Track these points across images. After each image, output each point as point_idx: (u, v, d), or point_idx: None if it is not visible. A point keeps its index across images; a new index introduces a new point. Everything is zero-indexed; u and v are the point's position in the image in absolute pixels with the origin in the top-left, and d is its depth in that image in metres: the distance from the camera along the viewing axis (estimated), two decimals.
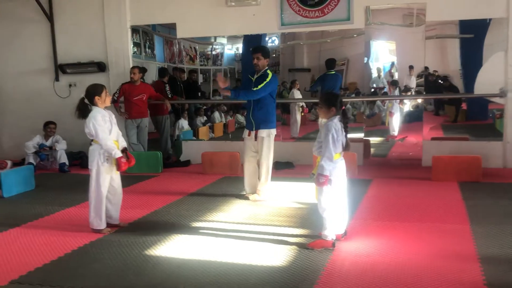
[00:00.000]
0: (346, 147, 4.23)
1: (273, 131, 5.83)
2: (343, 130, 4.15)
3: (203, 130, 9.62)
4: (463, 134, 8.04)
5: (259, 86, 5.54)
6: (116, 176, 4.94)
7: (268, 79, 5.59)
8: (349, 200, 5.57)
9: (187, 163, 8.46)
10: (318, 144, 4.23)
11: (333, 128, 4.08)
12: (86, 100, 4.78)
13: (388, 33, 8.34)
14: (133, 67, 8.27)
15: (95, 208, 4.79)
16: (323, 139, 4.11)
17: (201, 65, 10.10)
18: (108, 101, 4.81)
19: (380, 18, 8.04)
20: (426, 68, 7.98)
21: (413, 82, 8.27)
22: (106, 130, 4.70)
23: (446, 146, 7.37)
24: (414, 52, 8.07)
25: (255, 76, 5.77)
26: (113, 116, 4.91)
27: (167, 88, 8.71)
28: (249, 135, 5.83)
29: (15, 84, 9.47)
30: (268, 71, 5.73)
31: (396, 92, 8.38)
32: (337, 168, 4.17)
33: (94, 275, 3.80)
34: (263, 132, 5.74)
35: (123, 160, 4.71)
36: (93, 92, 4.75)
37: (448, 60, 8.31)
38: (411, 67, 8.34)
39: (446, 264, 3.74)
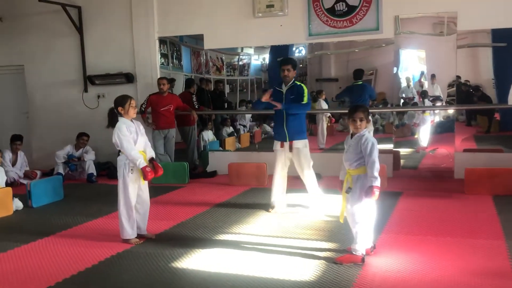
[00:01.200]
0: None
1: (307, 141, 5.85)
2: None
3: (229, 141, 9.60)
4: (497, 146, 7.79)
5: (305, 99, 5.66)
6: (144, 187, 4.95)
7: (306, 90, 5.70)
8: (379, 212, 5.48)
9: (213, 173, 8.45)
10: (355, 157, 4.13)
11: (374, 139, 4.10)
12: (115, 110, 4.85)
13: (417, 42, 8.17)
14: (162, 78, 8.33)
15: (125, 218, 4.82)
16: (366, 151, 4.04)
17: (227, 75, 10.10)
18: (132, 113, 4.82)
19: (410, 27, 7.90)
20: (458, 77, 7.78)
21: (436, 91, 8.10)
22: (131, 140, 4.72)
23: (479, 158, 7.16)
24: (444, 61, 7.90)
25: (285, 88, 5.79)
26: (141, 126, 4.93)
27: (194, 98, 8.75)
28: (281, 146, 5.82)
29: (45, 95, 9.66)
30: (298, 82, 5.79)
31: (426, 102, 8.21)
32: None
33: (121, 286, 3.80)
34: (299, 143, 5.75)
35: (148, 169, 4.71)
36: (117, 103, 4.82)
37: (480, 70, 8.11)
38: (433, 76, 8.19)
39: (480, 281, 3.63)
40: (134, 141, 4.76)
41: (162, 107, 8.23)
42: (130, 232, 4.84)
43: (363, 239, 4.13)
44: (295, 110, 5.73)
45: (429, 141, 8.50)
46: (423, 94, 8.29)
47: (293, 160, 5.83)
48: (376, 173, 4.01)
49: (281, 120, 5.77)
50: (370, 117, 4.29)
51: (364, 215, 4.13)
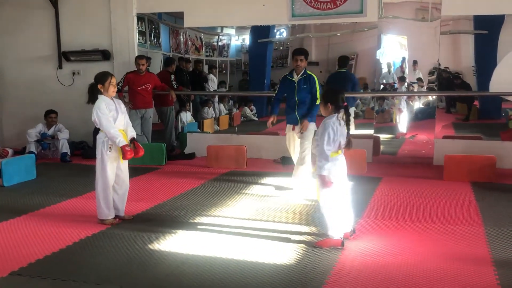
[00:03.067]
0: (348, 145, 4.13)
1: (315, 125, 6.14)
2: (346, 127, 4.04)
3: (208, 123, 9.46)
4: (476, 133, 7.85)
5: (319, 96, 5.86)
6: (124, 167, 4.83)
7: (318, 84, 5.99)
8: (358, 197, 5.57)
9: (192, 155, 8.31)
10: (315, 142, 4.10)
11: (330, 126, 3.97)
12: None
13: (400, 28, 8.15)
14: (140, 57, 8.07)
15: (101, 198, 4.70)
16: (319, 137, 4.00)
17: (206, 55, 9.93)
18: (111, 91, 4.69)
19: (392, 12, 7.86)
20: (440, 64, 7.79)
21: (418, 77, 8.10)
22: (110, 118, 4.61)
23: (459, 145, 7.19)
24: (426, 48, 7.91)
25: (297, 77, 6.01)
26: (122, 105, 4.82)
27: (173, 78, 8.54)
28: (293, 129, 6.12)
29: (17, 71, 9.31)
30: (310, 73, 6.02)
31: (404, 88, 8.23)
32: (336, 166, 4.05)
33: (96, 268, 3.73)
34: (312, 125, 6.02)
35: (127, 148, 4.59)
36: (97, 80, 4.69)
37: (460, 57, 8.14)
38: (415, 62, 8.18)
39: (459, 267, 3.65)
40: (114, 119, 4.65)
41: (140, 86, 8.02)
42: (106, 212, 4.73)
43: (335, 223, 4.08)
44: (314, 116, 6.03)
45: (408, 127, 8.55)
46: (402, 79, 8.30)
47: (301, 139, 6.06)
48: (320, 160, 3.96)
49: (294, 107, 6.05)
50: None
51: (327, 201, 4.06)
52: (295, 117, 6.08)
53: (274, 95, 6.43)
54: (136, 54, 8.41)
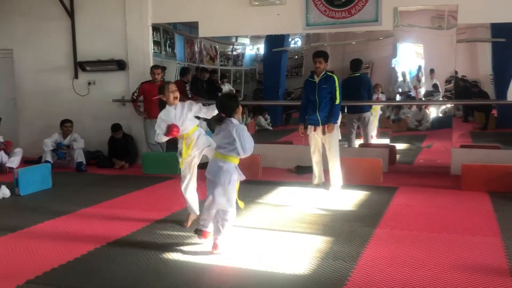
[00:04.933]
0: None
1: (338, 126, 6.50)
2: None
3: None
4: (494, 142, 7.73)
5: (338, 95, 6.20)
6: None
7: (337, 84, 6.20)
8: (374, 207, 5.55)
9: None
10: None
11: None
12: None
13: (416, 36, 8.06)
14: (156, 67, 8.12)
15: None
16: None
17: (221, 65, 9.94)
18: (171, 99, 4.80)
19: (408, 20, 7.78)
20: (456, 72, 7.69)
21: (434, 86, 8.00)
22: (161, 125, 4.77)
23: (476, 154, 7.08)
24: (443, 56, 7.81)
25: (317, 79, 6.27)
26: (187, 106, 4.88)
27: (188, 88, 8.56)
28: (314, 130, 6.36)
29: (34, 81, 9.42)
30: (331, 74, 6.25)
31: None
32: None
33: (110, 277, 3.72)
34: (336, 127, 6.33)
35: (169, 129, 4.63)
36: (160, 92, 4.89)
37: (478, 65, 8.02)
38: (431, 71, 8.08)
39: (477, 278, 3.58)
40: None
41: (155, 95, 8.00)
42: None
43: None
44: (338, 113, 6.33)
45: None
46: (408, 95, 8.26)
47: (324, 142, 6.34)
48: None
49: (315, 107, 6.27)
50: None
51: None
52: (316, 118, 6.28)
53: (301, 102, 6.59)
54: (151, 64, 8.46)
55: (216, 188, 4.09)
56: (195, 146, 4.85)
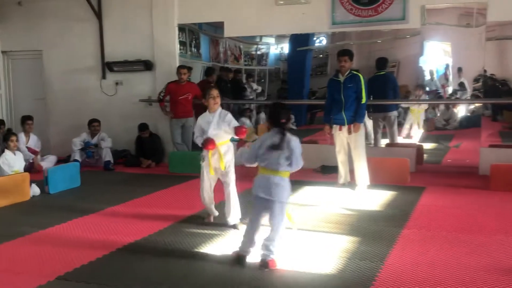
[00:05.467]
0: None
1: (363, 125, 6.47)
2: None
3: (247, 131, 9.44)
4: None
5: (364, 94, 6.14)
6: (225, 171, 4.91)
7: (363, 83, 6.14)
8: (401, 207, 5.52)
9: None
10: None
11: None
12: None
13: (443, 34, 7.97)
14: (182, 67, 8.19)
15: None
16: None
17: (245, 64, 9.97)
18: (211, 104, 4.80)
19: (436, 18, 7.68)
20: (485, 71, 7.55)
21: (460, 85, 7.88)
22: (196, 130, 4.91)
23: (505, 154, 6.91)
24: (471, 54, 7.68)
25: (342, 78, 6.21)
26: (222, 114, 4.82)
27: None
28: (340, 129, 6.32)
29: (63, 81, 9.59)
30: (356, 73, 6.19)
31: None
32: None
33: (139, 275, 3.76)
34: (362, 127, 6.31)
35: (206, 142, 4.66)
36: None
37: (507, 63, 7.85)
38: (459, 69, 7.94)
39: (507, 279, 3.52)
40: (204, 131, 4.77)
41: (180, 95, 8.13)
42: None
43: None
44: (364, 113, 6.30)
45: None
46: (421, 87, 8.14)
47: (350, 142, 6.30)
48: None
49: (340, 107, 6.23)
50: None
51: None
52: (342, 118, 6.24)
53: (325, 102, 6.53)
54: (177, 64, 8.53)
55: (273, 207, 3.80)
56: (218, 161, 4.78)
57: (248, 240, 3.92)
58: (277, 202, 3.78)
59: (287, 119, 3.86)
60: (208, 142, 4.62)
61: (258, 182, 3.87)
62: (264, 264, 3.79)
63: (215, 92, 4.80)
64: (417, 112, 8.41)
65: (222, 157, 4.79)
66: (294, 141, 3.78)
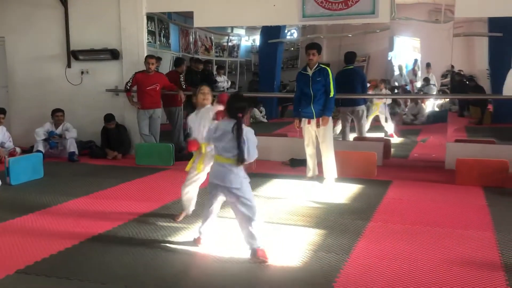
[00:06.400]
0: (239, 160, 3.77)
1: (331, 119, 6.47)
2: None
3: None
4: (489, 137, 7.71)
5: (332, 88, 6.15)
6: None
7: (331, 77, 6.17)
8: (368, 201, 5.52)
9: None
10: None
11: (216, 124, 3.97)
12: None
13: (412, 29, 8.05)
14: (150, 57, 8.03)
15: None
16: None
17: (216, 56, 9.87)
18: (200, 99, 4.65)
19: (405, 13, 7.74)
20: (453, 67, 7.66)
21: (431, 80, 7.95)
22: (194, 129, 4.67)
23: (471, 149, 7.03)
24: (439, 50, 7.79)
25: (311, 71, 6.21)
26: (209, 112, 4.53)
27: (182, 78, 8.49)
28: (309, 123, 6.32)
29: (26, 70, 9.30)
30: (324, 66, 6.21)
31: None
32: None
33: (101, 267, 3.70)
34: (330, 120, 6.33)
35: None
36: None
37: (474, 59, 8.00)
38: (428, 65, 8.03)
39: (468, 272, 3.58)
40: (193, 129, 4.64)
41: (148, 86, 7.97)
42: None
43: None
44: (333, 106, 6.27)
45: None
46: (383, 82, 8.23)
47: (318, 135, 6.32)
48: None
49: (309, 100, 6.24)
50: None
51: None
52: (311, 111, 6.24)
53: (294, 95, 6.49)
54: (145, 54, 8.35)
55: (228, 194, 3.82)
56: (206, 162, 4.62)
57: (202, 223, 4.09)
58: (232, 188, 3.77)
59: (244, 113, 3.79)
60: (190, 144, 4.47)
61: (212, 169, 3.96)
62: (253, 254, 3.78)
63: (206, 89, 4.70)
64: (376, 105, 8.50)
65: (202, 158, 4.62)
66: (249, 132, 3.77)
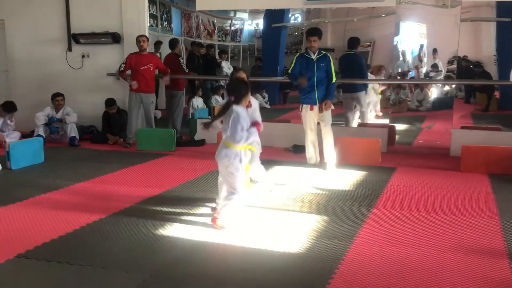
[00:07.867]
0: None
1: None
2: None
3: (219, 109, 9.27)
4: (495, 124, 7.60)
5: (333, 74, 6.23)
6: None
7: (332, 63, 6.23)
8: (372, 187, 5.48)
9: (202, 142, 8.15)
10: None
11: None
12: None
13: (419, 14, 7.89)
14: (141, 35, 7.85)
15: None
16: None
17: (219, 40, 9.74)
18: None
19: None
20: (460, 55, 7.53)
21: (433, 66, 7.84)
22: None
23: (477, 136, 6.94)
24: (446, 35, 7.64)
25: (315, 56, 6.20)
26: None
27: (182, 61, 8.33)
28: (311, 109, 6.27)
29: (26, 54, 9.19)
30: (324, 52, 6.24)
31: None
32: None
33: (102, 253, 3.68)
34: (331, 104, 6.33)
35: None
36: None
37: (481, 45, 7.85)
38: (434, 51, 7.90)
39: (473, 259, 3.54)
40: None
41: (142, 65, 7.75)
42: None
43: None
44: (333, 95, 6.40)
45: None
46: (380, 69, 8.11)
47: (321, 121, 6.32)
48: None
49: (313, 85, 6.22)
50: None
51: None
52: (314, 97, 6.23)
53: (289, 71, 6.40)
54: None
55: (221, 170, 4.25)
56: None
57: (219, 194, 4.47)
58: (219, 162, 4.19)
59: (237, 97, 4.15)
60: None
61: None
62: (213, 213, 4.31)
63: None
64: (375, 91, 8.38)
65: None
66: (234, 116, 4.05)
